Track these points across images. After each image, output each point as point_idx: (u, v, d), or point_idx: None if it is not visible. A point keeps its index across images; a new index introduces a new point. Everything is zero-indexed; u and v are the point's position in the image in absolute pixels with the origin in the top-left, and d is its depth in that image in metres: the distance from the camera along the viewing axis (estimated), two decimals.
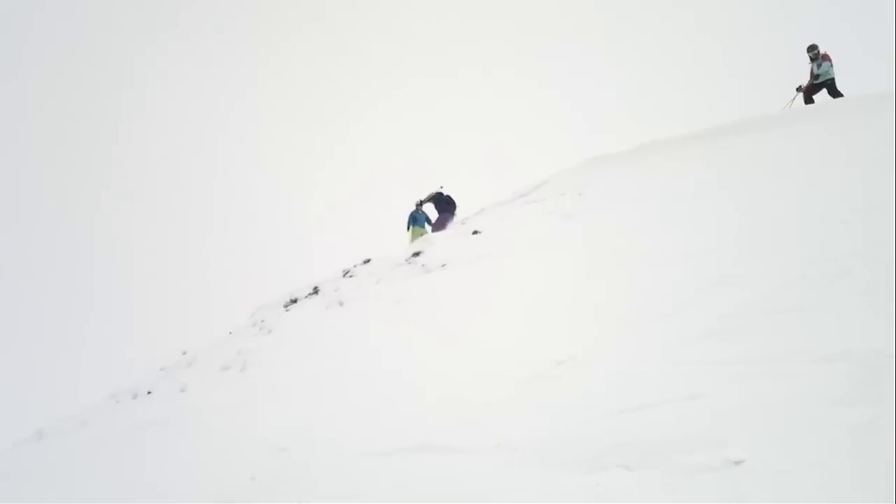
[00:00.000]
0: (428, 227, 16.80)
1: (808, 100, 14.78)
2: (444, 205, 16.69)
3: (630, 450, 3.43)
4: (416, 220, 17.09)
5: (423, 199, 16.88)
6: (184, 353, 11.94)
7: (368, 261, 13.28)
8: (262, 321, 11.19)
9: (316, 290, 12.18)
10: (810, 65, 14.58)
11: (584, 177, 13.04)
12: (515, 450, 3.89)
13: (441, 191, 16.87)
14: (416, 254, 11.25)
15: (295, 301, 12.16)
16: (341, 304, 9.93)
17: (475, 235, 11.15)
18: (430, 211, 17.02)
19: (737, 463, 2.97)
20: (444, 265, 10.07)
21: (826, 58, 14.39)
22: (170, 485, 4.91)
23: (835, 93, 14.41)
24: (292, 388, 6.74)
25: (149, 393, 9.30)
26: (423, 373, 5.80)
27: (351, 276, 12.25)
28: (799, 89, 14.94)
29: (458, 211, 16.67)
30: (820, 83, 14.57)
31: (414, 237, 16.31)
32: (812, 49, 14.50)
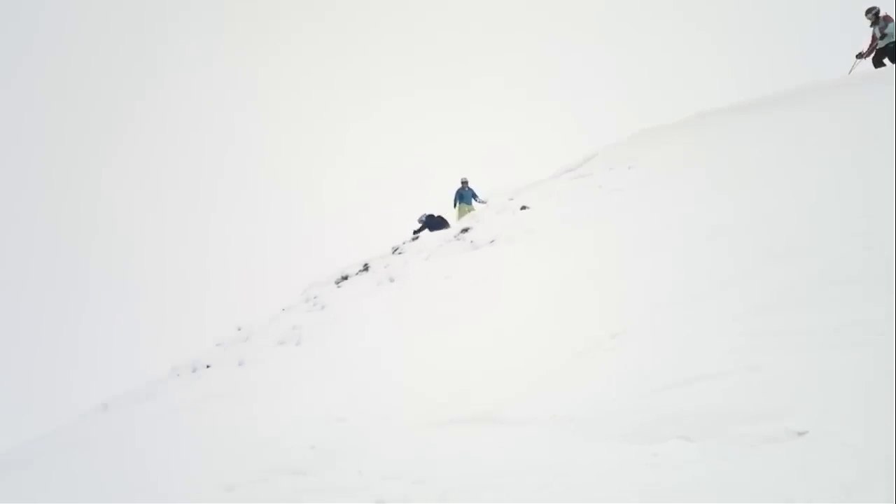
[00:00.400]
0: (475, 203, 16.79)
1: (879, 63, 14.05)
2: (438, 226, 16.56)
3: (689, 420, 3.41)
4: (463, 196, 17.07)
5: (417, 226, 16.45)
6: (238, 329, 12.25)
7: (417, 237, 13.39)
8: (315, 297, 11.39)
9: (366, 267, 12.34)
10: (872, 28, 13.91)
11: (634, 149, 12.84)
12: (571, 421, 3.90)
13: (432, 214, 16.66)
14: (465, 230, 11.30)
15: (346, 278, 12.35)
16: (392, 280, 10.04)
17: (523, 211, 11.12)
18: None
19: (800, 434, 2.92)
20: (492, 241, 10.08)
21: (888, 19, 13.68)
22: (232, 454, 5.01)
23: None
24: (346, 362, 6.86)
25: (207, 367, 9.55)
26: (475, 346, 5.84)
27: (400, 253, 12.37)
28: (860, 56, 14.29)
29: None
30: (884, 47, 13.85)
31: (461, 214, 16.34)
32: (871, 11, 13.80)
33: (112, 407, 9.41)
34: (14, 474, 6.85)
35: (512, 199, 13.06)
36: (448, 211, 17.10)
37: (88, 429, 8.16)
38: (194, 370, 9.73)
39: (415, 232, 16.53)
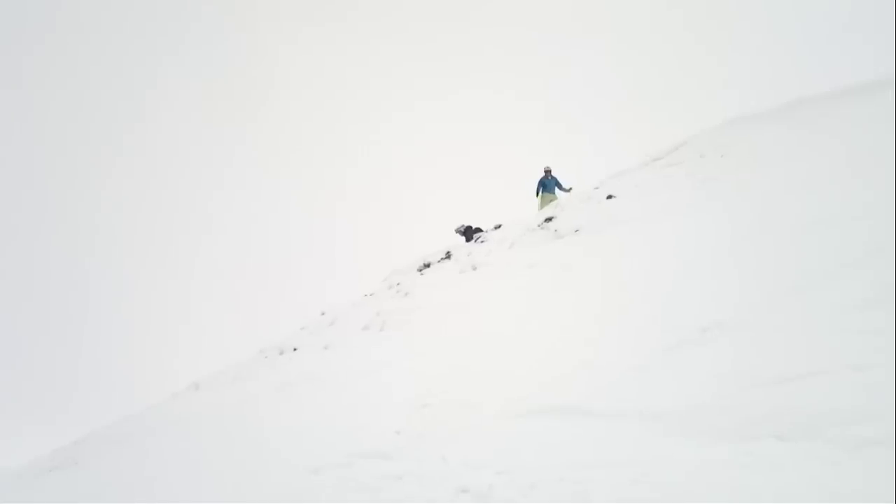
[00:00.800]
0: (559, 192, 16.59)
1: None
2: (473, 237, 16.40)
3: (784, 420, 3.27)
4: (546, 185, 16.87)
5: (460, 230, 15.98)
6: (322, 314, 12.58)
7: (499, 226, 13.39)
8: (398, 284, 11.55)
9: (448, 255, 12.43)
10: None
11: (726, 137, 12.35)
12: (660, 417, 3.78)
13: (470, 226, 15.84)
14: (549, 219, 11.20)
15: (428, 265, 12.47)
16: (474, 268, 10.08)
17: (609, 200, 10.92)
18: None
19: None
20: (576, 230, 9.96)
21: None
22: (319, 437, 5.14)
23: None
24: (429, 349, 6.92)
25: (294, 350, 9.83)
26: (561, 337, 5.76)
27: (482, 242, 12.40)
28: None
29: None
30: None
31: (543, 203, 16.17)
32: None
33: (203, 387, 9.81)
34: (113, 450, 7.28)
35: (597, 189, 12.84)
36: (528, 202, 17.01)
37: (180, 408, 8.54)
38: (281, 353, 10.03)
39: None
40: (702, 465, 3.18)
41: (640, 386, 4.30)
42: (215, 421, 7.00)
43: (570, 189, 16.20)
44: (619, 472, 3.35)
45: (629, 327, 5.39)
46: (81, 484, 6.15)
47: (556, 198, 16.22)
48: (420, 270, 12.31)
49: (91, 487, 5.85)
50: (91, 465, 6.90)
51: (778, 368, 3.85)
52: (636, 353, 4.81)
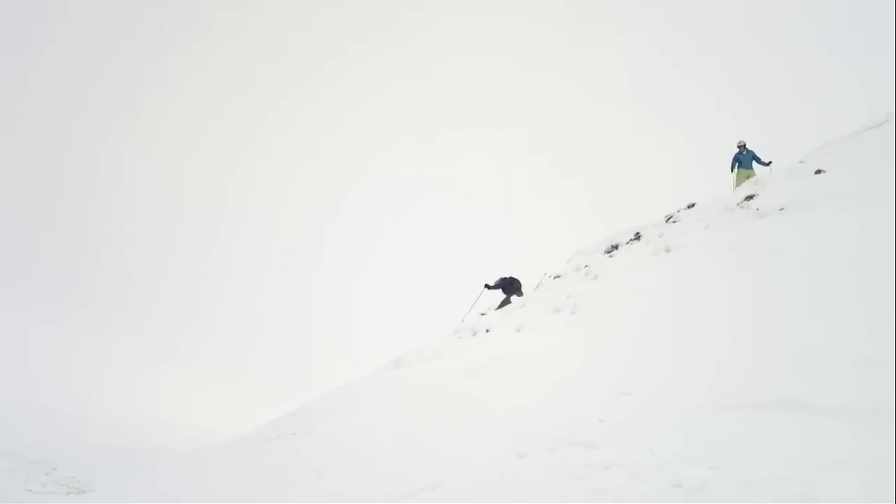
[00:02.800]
0: (757, 167, 15.50)
1: None
2: (510, 288, 14.92)
3: None
4: (742, 161, 15.79)
5: (490, 284, 15.01)
6: None
7: (693, 205, 12.79)
8: (585, 266, 11.46)
9: (638, 236, 12.11)
10: None
11: None
12: (890, 416, 3.45)
13: (506, 277, 14.98)
14: (749, 197, 10.51)
15: (616, 247, 12.24)
16: (668, 250, 9.74)
17: (818, 175, 10.02)
18: (496, 294, 15.06)
19: None
20: (781, 209, 9.26)
21: None
22: (521, 421, 5.21)
23: None
24: (625, 334, 6.76)
25: (487, 331, 10.07)
26: (774, 325, 5.40)
27: (675, 222, 11.92)
28: None
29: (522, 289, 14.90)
30: None
31: (740, 180, 15.15)
32: None
33: (402, 364, 10.34)
34: (325, 422, 7.88)
35: (802, 163, 11.79)
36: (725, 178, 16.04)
37: (382, 385, 9.04)
38: (475, 334, 10.30)
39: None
40: None
41: (866, 382, 3.95)
42: (416, 398, 7.29)
43: (770, 163, 15.09)
44: (849, 474, 3.12)
45: (849, 317, 4.95)
46: (302, 451, 6.72)
47: (753, 173, 15.16)
48: (608, 252, 12.10)
49: (308, 455, 6.35)
50: (306, 435, 7.55)
51: None
52: (861, 345, 4.42)
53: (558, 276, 12.23)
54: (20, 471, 15.16)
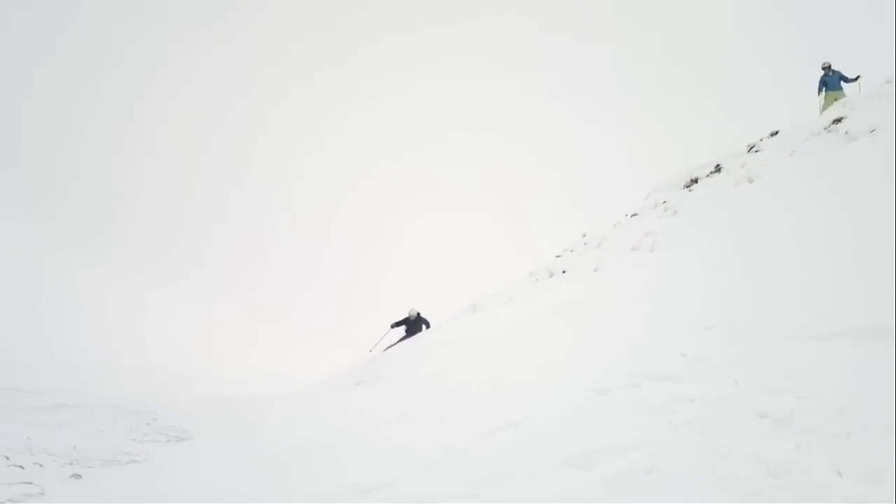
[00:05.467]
0: (845, 86, 14.65)
1: None
2: (414, 327, 14.59)
3: None
4: (828, 83, 14.94)
5: (393, 323, 14.77)
6: (583, 236, 12.68)
7: (776, 132, 12.25)
8: (664, 202, 11.22)
9: (718, 168, 11.74)
10: None
11: None
12: None
13: (411, 316, 14.74)
14: (837, 120, 9.98)
15: (695, 181, 11.91)
16: (750, 180, 9.41)
17: None
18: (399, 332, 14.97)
19: None
20: (872, 131, 8.77)
21: None
22: (602, 357, 5.18)
23: None
24: (705, 268, 6.61)
25: (564, 272, 10.05)
26: (873, 256, 5.12)
27: (757, 151, 11.46)
28: None
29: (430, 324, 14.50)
30: None
31: (827, 103, 14.35)
32: None
33: (479, 308, 10.45)
34: (405, 367, 8.02)
35: (889, 82, 11.04)
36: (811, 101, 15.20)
37: (459, 330, 9.05)
38: (551, 275, 10.29)
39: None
40: None
41: None
42: (495, 340, 7.31)
43: (859, 77, 14.27)
44: None
45: None
46: (385, 395, 6.84)
47: (843, 94, 14.36)
48: (687, 186, 11.77)
49: (392, 399, 6.47)
50: (389, 379, 7.72)
51: None
52: None
53: (635, 215, 12.00)
54: (123, 421, 16.37)
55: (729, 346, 4.54)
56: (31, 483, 10.51)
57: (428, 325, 14.55)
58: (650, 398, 4.09)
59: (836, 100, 13.98)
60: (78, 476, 11.10)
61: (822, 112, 13.44)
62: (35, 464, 11.70)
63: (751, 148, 11.84)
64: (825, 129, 9.94)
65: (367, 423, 5.86)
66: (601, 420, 4.00)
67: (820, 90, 14.95)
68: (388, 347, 14.13)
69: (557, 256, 12.82)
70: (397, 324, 14.65)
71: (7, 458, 11.79)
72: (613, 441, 3.65)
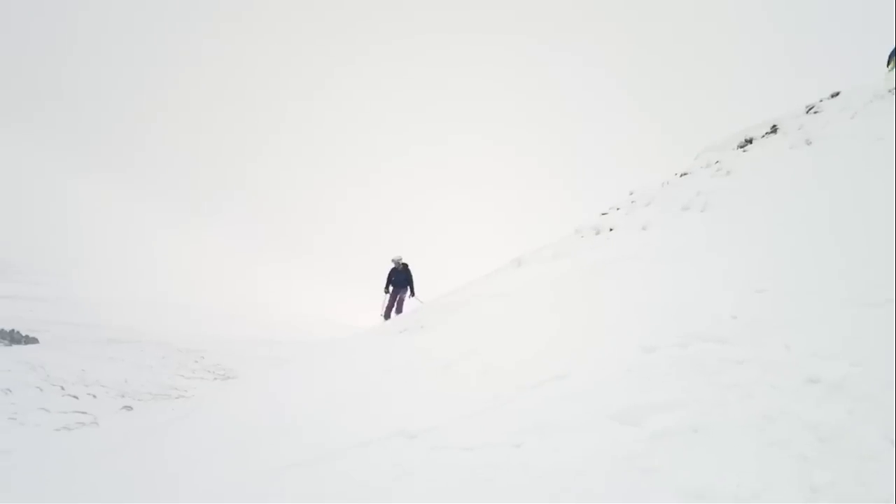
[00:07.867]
0: None
1: None
2: (400, 279, 14.60)
3: None
4: None
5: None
6: (630, 193, 12.50)
7: (837, 94, 11.83)
8: (717, 162, 10.99)
9: (774, 129, 11.41)
10: None
11: None
12: None
13: (396, 265, 14.60)
14: None
15: (750, 141, 11.61)
16: (808, 143, 9.13)
17: None
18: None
19: None
20: None
21: None
22: (649, 316, 5.16)
23: None
24: (758, 230, 6.48)
25: (611, 230, 9.93)
26: None
27: (816, 112, 11.10)
28: None
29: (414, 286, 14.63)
30: None
31: None
32: None
33: (523, 263, 10.42)
34: (448, 318, 8.12)
35: None
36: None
37: (501, 283, 9.10)
38: (598, 233, 10.18)
39: (386, 290, 14.83)
40: None
41: None
42: (538, 295, 7.33)
43: None
44: None
45: None
46: (428, 343, 6.93)
47: None
48: (741, 147, 11.49)
49: (436, 347, 6.56)
50: (432, 328, 7.84)
51: None
52: None
53: (685, 174, 11.78)
54: (172, 358, 17.02)
55: (781, 310, 4.46)
56: (85, 413, 11.05)
57: (411, 284, 14.68)
58: (698, 358, 4.07)
59: None
60: (129, 408, 11.63)
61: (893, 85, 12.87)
62: (89, 394, 12.28)
63: (809, 109, 11.46)
64: (889, 91, 9.57)
65: (412, 371, 5.97)
66: (648, 377, 4.01)
67: (890, 61, 14.28)
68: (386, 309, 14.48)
69: (603, 214, 12.68)
70: (387, 284, 14.77)
71: (63, 389, 12.39)
72: (660, 398, 3.67)
